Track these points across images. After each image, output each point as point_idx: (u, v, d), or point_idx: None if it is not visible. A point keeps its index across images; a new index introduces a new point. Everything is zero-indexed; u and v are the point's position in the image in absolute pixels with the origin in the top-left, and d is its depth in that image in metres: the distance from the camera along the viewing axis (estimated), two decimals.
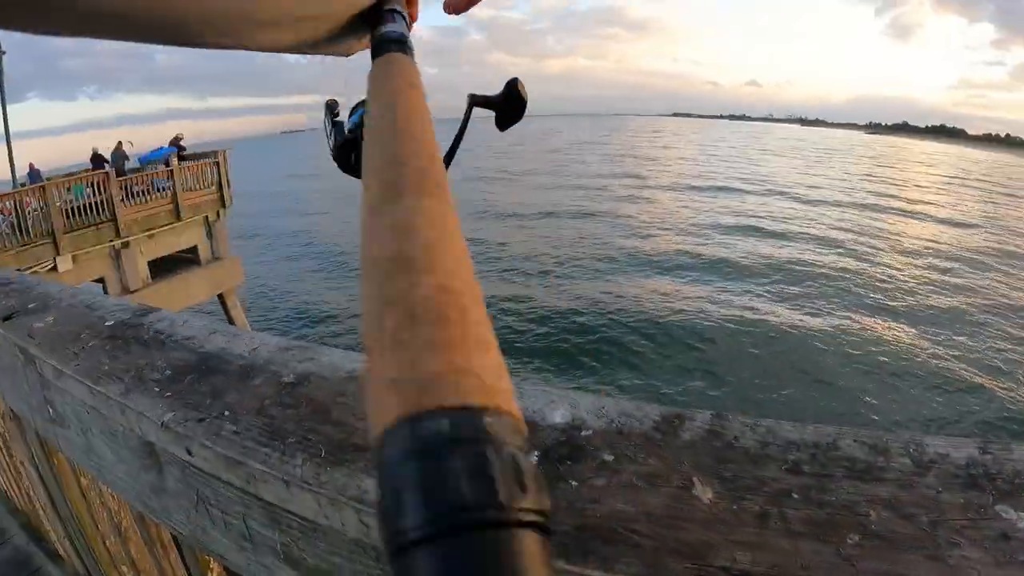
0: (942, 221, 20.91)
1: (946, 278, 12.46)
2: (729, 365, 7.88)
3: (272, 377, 0.92)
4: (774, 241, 14.45)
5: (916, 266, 13.22)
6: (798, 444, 0.56)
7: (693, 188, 24.86)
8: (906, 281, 11.88)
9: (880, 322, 9.37)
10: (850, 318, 9.57)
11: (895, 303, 10.35)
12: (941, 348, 8.46)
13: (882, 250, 14.67)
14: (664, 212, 19.10)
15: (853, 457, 0.54)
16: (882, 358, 8.14)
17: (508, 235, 15.25)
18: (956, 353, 8.33)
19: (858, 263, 13.16)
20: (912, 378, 7.58)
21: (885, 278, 11.88)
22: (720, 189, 25.15)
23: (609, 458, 0.58)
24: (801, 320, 9.42)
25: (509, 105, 0.50)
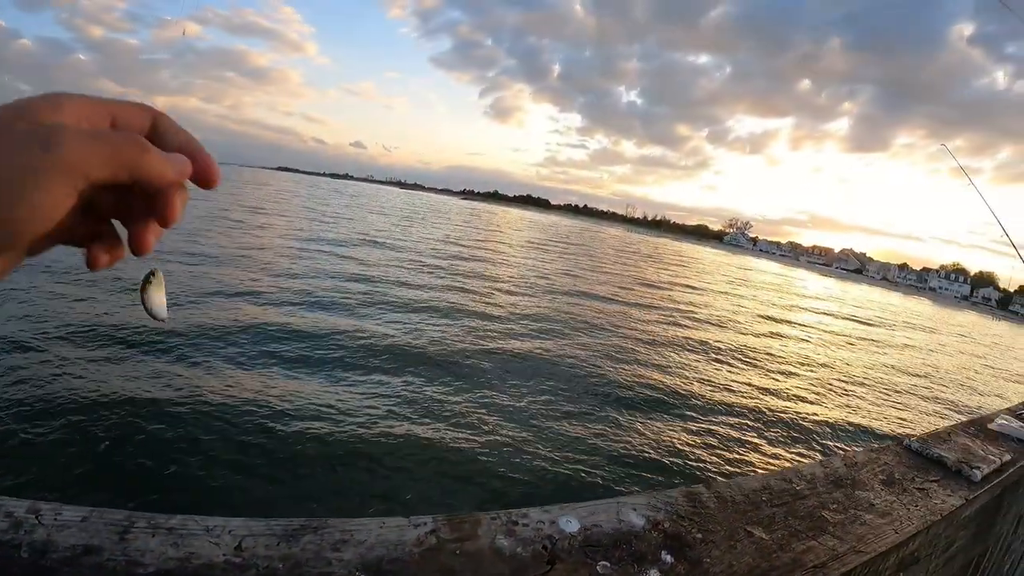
0: (530, 268, 26.12)
1: (537, 309, 16.51)
2: (370, 381, 8.28)
3: None
4: (383, 286, 15.58)
5: (512, 303, 16.87)
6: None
7: (305, 240, 24.10)
8: (506, 311, 15.10)
9: (492, 341, 11.66)
10: (469, 339, 11.50)
11: (500, 328, 12.92)
12: (547, 353, 11.29)
13: (479, 292, 17.91)
14: (276, 261, 17.97)
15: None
16: (512, 366, 10.17)
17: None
18: (557, 357, 11.16)
19: (464, 300, 16.00)
20: (531, 376, 9.63)
21: (488, 311, 14.93)
22: (331, 241, 24.99)
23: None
24: (426, 346, 10.70)
25: None
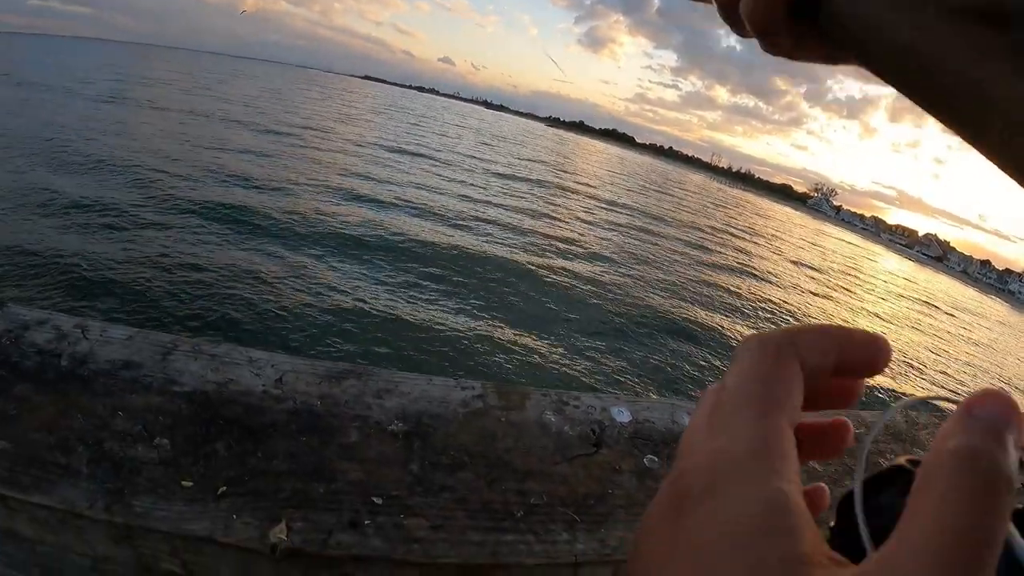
0: (606, 201, 26.90)
1: (606, 238, 17.50)
2: (468, 283, 9.29)
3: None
4: (472, 203, 16.73)
5: (587, 231, 17.52)
6: None
7: (390, 150, 24.97)
8: (581, 239, 15.82)
9: (565, 263, 12.32)
10: (543, 258, 12.25)
11: (571, 252, 13.67)
12: (608, 279, 12.01)
13: (559, 218, 18.55)
14: (366, 168, 19.15)
15: None
16: (571, 284, 10.75)
17: (199, 184, 12.84)
18: (614, 284, 11.85)
19: (546, 223, 16.69)
20: (590, 296, 10.40)
21: (565, 235, 15.38)
22: (416, 155, 25.96)
23: None
24: (513, 257, 11.60)
25: None
